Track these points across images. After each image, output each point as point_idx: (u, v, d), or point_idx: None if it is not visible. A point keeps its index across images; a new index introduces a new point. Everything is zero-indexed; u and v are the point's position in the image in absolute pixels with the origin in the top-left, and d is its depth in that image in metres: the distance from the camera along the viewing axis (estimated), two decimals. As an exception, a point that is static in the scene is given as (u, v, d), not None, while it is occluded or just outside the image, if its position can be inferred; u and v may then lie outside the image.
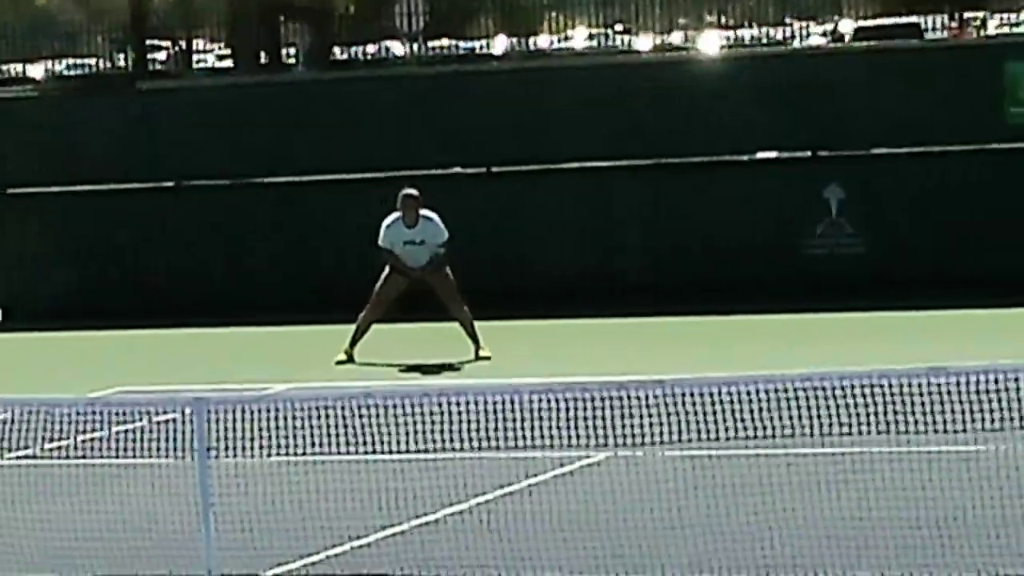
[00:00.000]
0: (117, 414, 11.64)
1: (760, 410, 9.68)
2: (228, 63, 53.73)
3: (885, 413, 9.66)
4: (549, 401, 10.53)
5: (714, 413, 9.89)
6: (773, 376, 9.68)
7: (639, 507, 10.62)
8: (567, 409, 10.62)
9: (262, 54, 49.10)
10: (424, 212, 16.73)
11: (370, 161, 19.89)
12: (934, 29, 49.28)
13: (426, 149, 19.85)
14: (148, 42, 52.17)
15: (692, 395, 9.84)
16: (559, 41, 51.15)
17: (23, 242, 21.44)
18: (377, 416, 10.67)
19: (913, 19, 48.03)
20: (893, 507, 10.17)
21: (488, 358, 16.65)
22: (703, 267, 19.30)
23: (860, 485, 10.70)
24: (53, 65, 57.82)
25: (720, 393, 9.66)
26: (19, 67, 55.98)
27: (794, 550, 9.48)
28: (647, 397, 10.26)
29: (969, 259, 18.49)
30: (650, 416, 10.30)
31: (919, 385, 9.54)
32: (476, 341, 16.72)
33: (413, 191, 16.73)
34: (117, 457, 11.75)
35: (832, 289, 18.62)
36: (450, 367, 16.78)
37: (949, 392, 9.35)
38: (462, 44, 49.40)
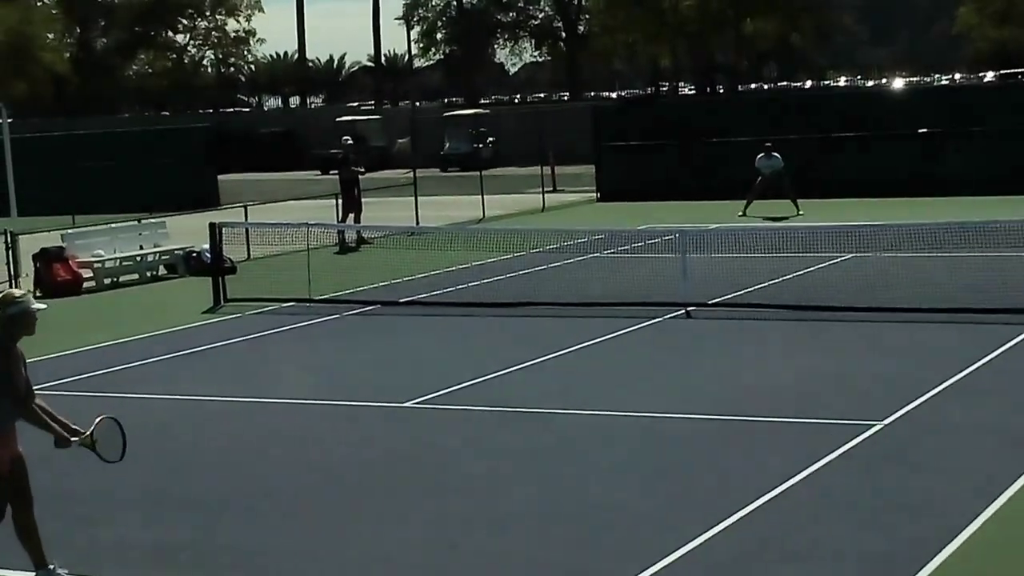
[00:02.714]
0: (651, 235, 24.16)
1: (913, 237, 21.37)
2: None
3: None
4: (825, 233, 22.36)
5: (894, 242, 21.47)
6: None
7: (867, 270, 21.05)
8: (835, 236, 22.27)
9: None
10: (774, 153, 31.15)
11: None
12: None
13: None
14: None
15: (883, 230, 21.65)
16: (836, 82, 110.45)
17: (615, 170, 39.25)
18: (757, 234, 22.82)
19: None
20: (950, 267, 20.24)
21: (802, 214, 30.25)
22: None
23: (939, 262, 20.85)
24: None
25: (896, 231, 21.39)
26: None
27: (911, 285, 19.27)
28: (864, 231, 22.13)
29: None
30: (870, 239, 22.15)
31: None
32: (796, 206, 30.28)
33: (769, 144, 31.19)
34: (635, 254, 23.53)
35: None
36: (785, 218, 30.10)
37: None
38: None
